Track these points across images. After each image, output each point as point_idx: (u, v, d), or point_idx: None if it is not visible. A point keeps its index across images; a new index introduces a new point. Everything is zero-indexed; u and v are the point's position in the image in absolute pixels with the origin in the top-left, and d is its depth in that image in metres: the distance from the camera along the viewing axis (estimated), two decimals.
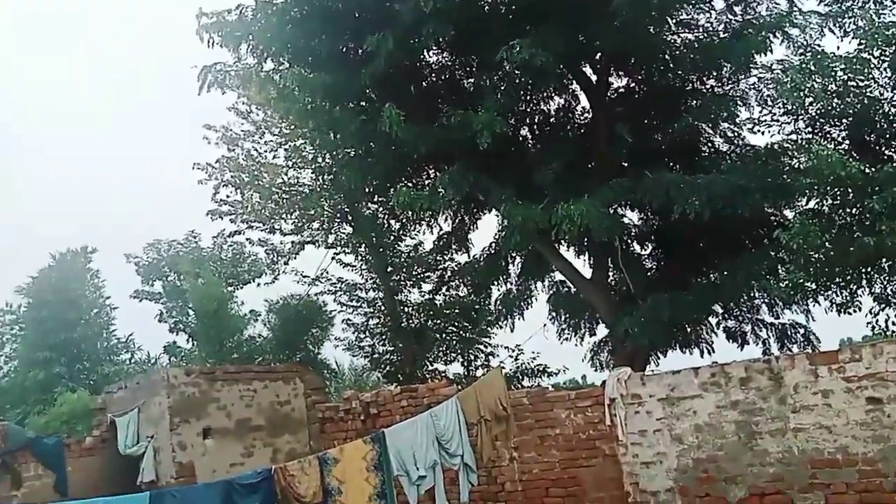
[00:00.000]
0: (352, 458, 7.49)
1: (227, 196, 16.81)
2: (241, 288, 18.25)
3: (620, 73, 13.37)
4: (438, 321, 16.82)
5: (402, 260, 16.91)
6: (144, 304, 18.72)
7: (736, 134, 12.97)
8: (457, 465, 8.40)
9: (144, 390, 10.70)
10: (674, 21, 12.46)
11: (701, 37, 12.67)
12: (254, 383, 11.11)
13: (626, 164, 12.54)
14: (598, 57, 12.83)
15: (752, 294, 12.00)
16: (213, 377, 10.83)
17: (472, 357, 16.85)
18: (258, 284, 17.59)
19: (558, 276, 14.33)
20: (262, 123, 17.17)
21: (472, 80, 13.28)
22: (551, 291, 14.77)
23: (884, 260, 8.73)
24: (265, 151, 17.19)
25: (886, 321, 9.68)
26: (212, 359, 15.25)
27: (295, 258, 17.19)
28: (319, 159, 16.24)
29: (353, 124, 12.20)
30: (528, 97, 13.12)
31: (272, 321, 16.59)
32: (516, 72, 11.48)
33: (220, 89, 13.70)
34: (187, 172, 17.23)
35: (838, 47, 10.23)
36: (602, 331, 14.02)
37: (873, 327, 9.72)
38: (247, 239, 17.64)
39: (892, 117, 9.90)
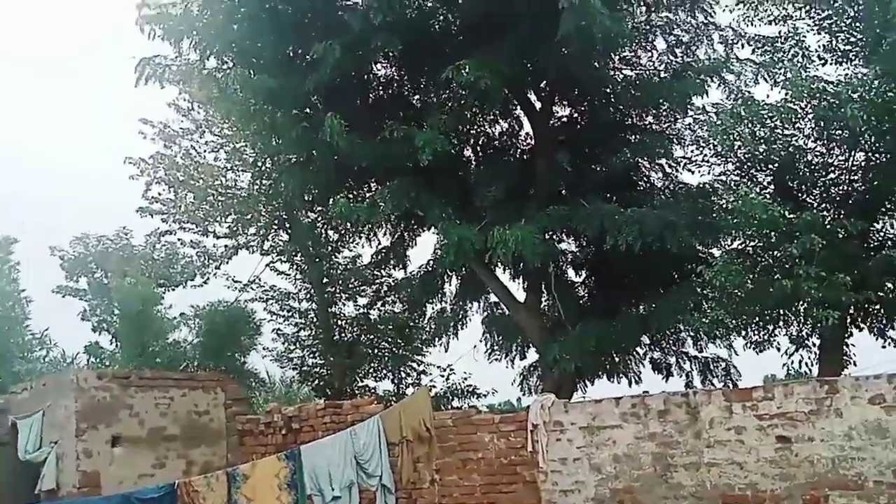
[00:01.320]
0: (264, 475, 7.28)
1: (159, 194, 16.23)
2: (173, 290, 17.58)
3: (564, 102, 13.63)
4: (372, 336, 16.62)
5: (339, 272, 16.66)
6: (68, 300, 17.85)
7: (671, 171, 13.38)
8: (374, 486, 8.28)
9: (51, 392, 10.13)
10: (617, 57, 12.82)
11: (643, 74, 13.06)
12: (171, 391, 10.67)
13: (564, 192, 12.75)
14: (543, 85, 13.06)
15: (677, 327, 12.34)
16: (126, 382, 10.34)
17: (404, 375, 16.69)
18: (187, 287, 16.95)
19: (493, 298, 14.41)
20: (202, 122, 16.71)
21: (418, 97, 13.30)
22: (486, 313, 14.84)
23: (799, 302, 9.08)
24: (204, 151, 16.72)
25: (800, 362, 10.08)
26: (133, 362, 14.62)
27: (227, 262, 16.70)
28: (259, 163, 15.89)
29: (294, 130, 12.00)
30: (473, 118, 13.19)
31: (199, 326, 16.05)
32: (462, 92, 11.54)
33: (158, 83, 13.25)
34: (120, 167, 16.59)
35: (768, 96, 10.72)
36: (533, 355, 14.15)
37: (788, 368, 10.10)
38: (178, 240, 17.05)
39: (814, 166, 10.41)
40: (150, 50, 12.68)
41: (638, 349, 13.27)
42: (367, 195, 13.39)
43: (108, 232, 17.84)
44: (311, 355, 16.71)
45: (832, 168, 10.40)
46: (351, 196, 13.02)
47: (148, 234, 17.63)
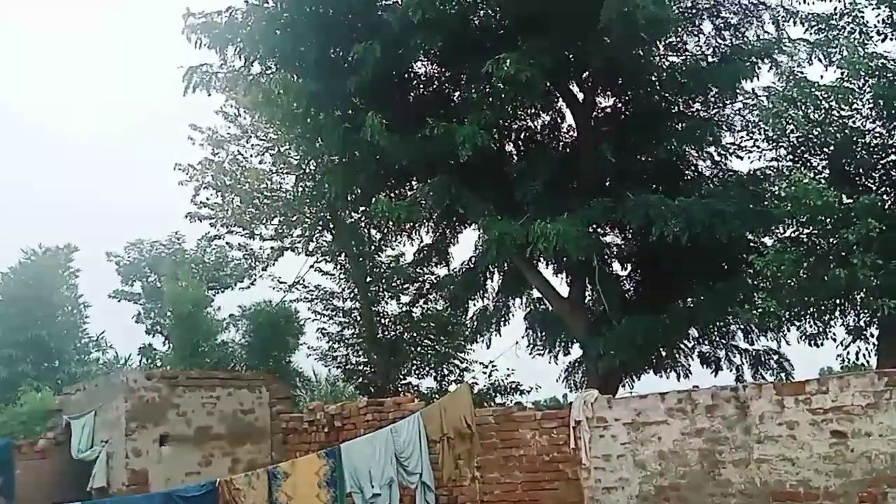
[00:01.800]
0: (304, 473, 7.28)
1: (207, 199, 16.64)
2: (223, 292, 18.03)
3: (607, 92, 13.34)
4: (414, 334, 16.63)
5: (382, 271, 16.73)
6: (124, 304, 18.50)
7: (720, 158, 12.91)
8: (414, 484, 8.20)
9: (102, 393, 10.46)
10: (662, 43, 12.45)
11: (689, 60, 12.65)
12: (217, 390, 10.87)
13: (608, 184, 12.44)
14: (585, 75, 12.80)
15: (726, 319, 11.88)
16: (174, 382, 10.59)
17: (447, 372, 16.64)
18: (235, 289, 17.34)
19: (536, 294, 14.20)
20: (248, 127, 17.06)
21: (458, 93, 13.22)
22: (528, 309, 14.63)
23: (856, 292, 8.60)
24: (250, 156, 17.07)
25: (857, 354, 9.56)
26: (184, 362, 15.01)
27: (274, 264, 17.02)
28: (303, 166, 16.11)
29: (336, 132, 12.09)
30: (514, 112, 13.00)
31: (246, 327, 16.37)
32: (502, 86, 11.40)
33: (205, 90, 13.57)
34: (171, 173, 17.10)
35: (822, 76, 10.21)
36: (577, 350, 13.88)
37: (844, 360, 9.59)
38: (227, 243, 17.45)
39: (872, 148, 9.87)
40: (197, 58, 13.05)
41: (686, 343, 12.86)
42: (409, 194, 13.41)
43: (161, 237, 18.46)
44: (355, 353, 16.83)
45: (892, 150, 9.82)
46: (393, 195, 13.06)
47: (199, 239, 18.15)
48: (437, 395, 14.90)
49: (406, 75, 12.86)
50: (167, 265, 17.15)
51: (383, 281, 16.71)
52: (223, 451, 10.72)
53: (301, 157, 16.00)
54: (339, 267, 16.81)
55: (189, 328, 15.48)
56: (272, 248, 17.01)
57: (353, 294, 16.80)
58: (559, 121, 13.87)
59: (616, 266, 13.80)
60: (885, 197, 9.35)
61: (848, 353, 9.52)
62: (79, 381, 12.48)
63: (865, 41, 9.98)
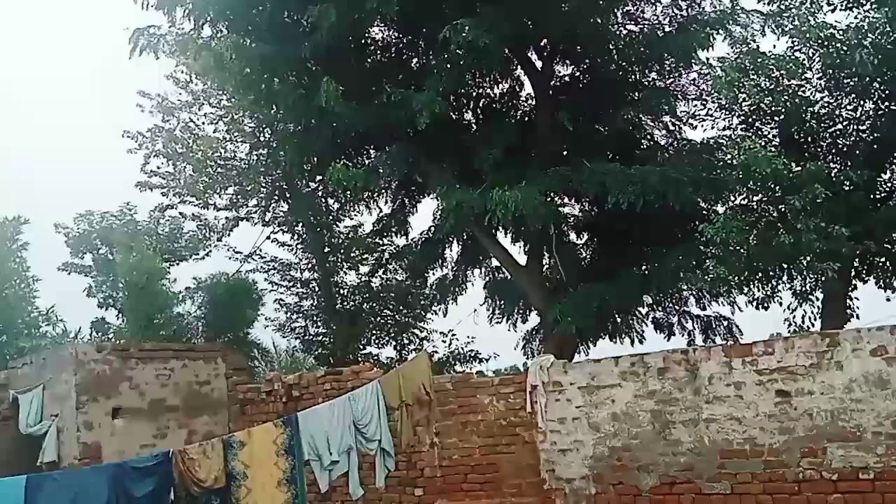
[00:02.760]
0: (261, 442, 7.21)
1: (158, 167, 16.18)
2: (177, 264, 17.62)
3: (566, 60, 13.33)
4: (374, 304, 16.61)
5: (340, 241, 16.60)
6: (74, 277, 17.94)
7: (675, 127, 13.07)
8: (374, 451, 8.21)
9: (51, 366, 10.16)
10: (620, 11, 12.46)
11: (645, 29, 12.69)
12: (171, 362, 10.67)
13: (566, 153, 12.50)
14: (543, 43, 12.74)
15: (679, 286, 12.16)
16: (126, 354, 10.35)
17: (407, 341, 16.70)
18: (191, 261, 16.98)
19: (494, 263, 14.28)
20: (200, 94, 16.56)
21: (416, 60, 13.04)
22: (487, 278, 14.72)
23: (802, 257, 8.86)
24: (203, 123, 16.61)
25: (803, 317, 9.90)
26: (139, 335, 14.69)
27: (229, 234, 16.70)
28: (258, 133, 15.75)
29: (291, 98, 11.84)
30: (473, 79, 12.95)
31: (202, 299, 16.09)
32: (460, 52, 11.27)
33: (153, 54, 13.09)
34: (120, 141, 16.52)
35: (774, 46, 10.36)
36: (535, 318, 14.05)
37: (791, 323, 9.92)
38: (180, 213, 17.03)
39: (821, 117, 10.09)
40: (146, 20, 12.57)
41: (640, 309, 13.14)
42: (366, 162, 13.25)
43: (111, 208, 17.88)
44: (314, 324, 16.74)
45: (840, 118, 10.07)
46: (349, 163, 12.88)
47: (151, 210, 17.65)
48: (396, 365, 14.96)
49: (362, 40, 12.61)
50: (120, 236, 16.66)
51: (342, 251, 16.60)
52: (179, 423, 10.56)
53: (255, 124, 15.65)
54: (296, 237, 16.60)
55: (144, 301, 15.12)
56: (227, 218, 16.67)
57: (310, 265, 16.65)
58: (517, 89, 13.84)
59: (573, 234, 13.95)
60: (831, 164, 9.61)
61: (794, 316, 9.86)
62: (26, 356, 12.09)
63: (815, 11, 10.14)
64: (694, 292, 12.46)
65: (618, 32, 12.65)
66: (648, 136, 13.23)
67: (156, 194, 16.53)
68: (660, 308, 13.30)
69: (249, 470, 7.07)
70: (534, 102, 13.43)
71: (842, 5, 10.12)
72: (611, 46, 12.50)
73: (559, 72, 13.42)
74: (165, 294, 15.89)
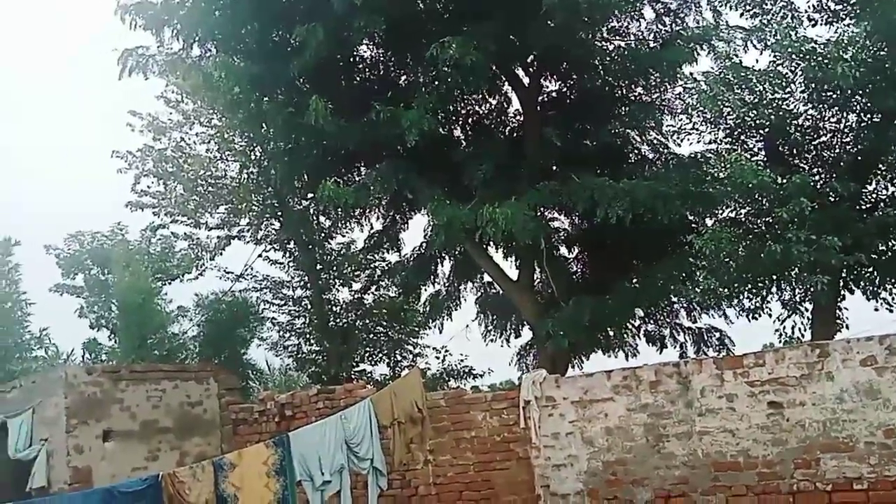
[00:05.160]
0: (251, 463, 7.16)
1: (149, 187, 16.16)
2: (170, 283, 17.57)
3: (552, 76, 13.46)
4: (367, 321, 16.58)
5: (332, 258, 16.58)
6: (66, 298, 17.82)
7: (661, 141, 13.19)
8: (366, 470, 8.19)
9: (40, 390, 10.07)
10: (605, 27, 12.61)
11: (631, 44, 12.84)
12: (163, 383, 10.59)
13: (555, 168, 12.59)
14: (530, 60, 12.87)
15: (670, 298, 12.22)
16: (117, 376, 10.27)
17: (400, 358, 16.66)
18: (182, 280, 16.91)
19: (487, 278, 14.31)
20: (191, 113, 16.59)
21: (404, 77, 13.13)
22: (479, 293, 14.75)
23: (791, 268, 8.93)
24: (194, 142, 16.62)
25: (793, 328, 9.95)
26: (132, 355, 14.59)
27: (221, 254, 16.65)
28: (248, 152, 15.78)
29: (280, 116, 11.88)
30: (461, 97, 13.04)
31: (200, 317, 16.03)
32: (448, 70, 11.36)
33: (142, 74, 13.13)
34: (110, 162, 16.51)
35: (757, 61, 10.52)
36: (528, 333, 14.05)
37: (781, 334, 9.98)
38: (171, 233, 17.00)
39: (805, 129, 10.23)
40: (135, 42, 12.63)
41: (632, 322, 13.16)
42: (357, 179, 13.28)
43: (102, 228, 17.82)
44: (307, 343, 16.68)
45: (823, 130, 10.22)
46: (340, 181, 12.92)
47: (142, 229, 17.62)
48: (390, 382, 14.92)
49: (350, 59, 12.70)
50: (113, 256, 16.61)
51: (334, 268, 16.58)
52: (171, 444, 10.47)
53: (246, 143, 15.68)
54: (288, 255, 16.59)
55: (139, 321, 15.06)
56: (219, 237, 16.64)
57: (303, 282, 16.62)
58: (505, 105, 13.94)
59: (563, 249, 14.01)
60: (816, 176, 9.72)
61: (784, 327, 9.91)
62: (15, 379, 11.96)
63: (797, 26, 10.30)
64: (684, 304, 12.52)
65: (603, 48, 12.79)
66: (636, 151, 13.34)
67: (147, 214, 16.51)
68: (651, 321, 13.33)
69: (240, 492, 7.01)
70: (522, 118, 13.53)
71: (822, 20, 10.32)
72: (597, 62, 12.65)
73: (546, 87, 13.55)
74: (160, 314, 15.84)
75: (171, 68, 14.18)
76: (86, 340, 17.34)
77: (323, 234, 16.45)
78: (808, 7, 10.34)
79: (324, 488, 7.60)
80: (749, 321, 10.04)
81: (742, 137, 10.61)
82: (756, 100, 9.98)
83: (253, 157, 15.85)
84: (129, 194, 16.28)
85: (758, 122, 10.12)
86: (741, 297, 10.01)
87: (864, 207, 9.90)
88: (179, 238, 17.00)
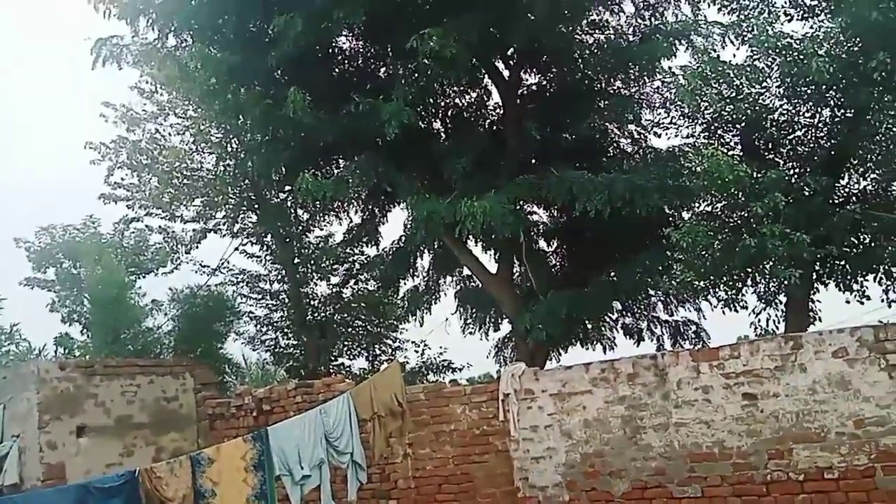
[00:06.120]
0: (229, 458, 7.10)
1: (122, 179, 15.90)
2: (143, 277, 17.31)
3: (532, 69, 13.46)
4: (345, 315, 16.51)
5: (310, 252, 16.47)
6: (36, 292, 17.48)
7: (640, 135, 13.27)
8: (345, 464, 8.15)
9: (11, 385, 9.88)
10: (585, 21, 12.64)
11: (611, 38, 12.88)
12: (137, 378, 10.46)
13: (534, 161, 12.61)
14: (510, 52, 12.85)
15: (647, 291, 12.32)
16: (90, 371, 10.12)
17: (379, 352, 16.63)
18: (157, 274, 16.69)
19: (466, 272, 14.31)
20: (167, 104, 16.34)
21: (384, 69, 13.04)
22: (459, 286, 14.75)
23: (765, 261, 9.04)
24: (169, 134, 16.38)
25: (768, 320, 10.09)
26: (105, 350, 14.38)
27: (197, 247, 16.46)
28: (225, 144, 15.58)
29: (258, 108, 11.67)
30: (440, 89, 12.99)
31: (175, 311, 15.82)
32: (427, 62, 11.29)
33: (116, 64, 12.88)
34: (82, 154, 16.24)
35: (734, 55, 10.60)
36: (507, 326, 14.09)
37: (756, 327, 10.11)
38: (146, 226, 16.76)
39: (780, 124, 10.32)
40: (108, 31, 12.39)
41: (610, 316, 13.27)
42: (335, 172, 13.18)
43: (74, 221, 17.51)
44: (285, 336, 16.58)
45: (798, 125, 10.32)
46: (318, 173, 12.80)
47: (116, 222, 17.34)
48: (369, 376, 14.87)
49: (329, 50, 12.57)
50: (86, 250, 16.32)
51: (312, 262, 16.46)
52: (146, 440, 10.36)
53: (222, 134, 15.47)
54: (265, 248, 16.44)
55: (112, 315, 14.82)
56: (194, 230, 16.43)
57: (280, 276, 16.49)
58: (485, 98, 13.92)
59: (542, 242, 14.05)
60: (791, 171, 9.83)
61: (759, 319, 10.04)
62: None
63: (773, 21, 10.39)
64: (661, 297, 12.63)
65: (583, 41, 12.82)
66: (614, 144, 13.41)
67: (120, 207, 16.25)
68: (629, 314, 13.45)
69: (218, 487, 6.96)
70: (501, 111, 13.52)
71: (798, 15, 10.39)
72: (576, 55, 12.67)
73: (526, 80, 13.55)
74: (134, 308, 15.61)
75: (145, 58, 13.96)
76: (58, 335, 17.04)
77: (301, 228, 16.34)
78: (785, 2, 10.42)
79: (303, 483, 7.57)
80: (724, 313, 10.17)
81: (719, 132, 10.68)
82: (733, 94, 10.03)
83: (229, 149, 15.66)
84: (102, 186, 16.04)
85: (734, 116, 10.19)
86: (717, 290, 10.12)
87: (836, 201, 10.03)
88: (154, 231, 16.80)
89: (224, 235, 16.41)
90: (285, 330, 16.55)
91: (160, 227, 16.58)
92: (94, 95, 19.05)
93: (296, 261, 16.20)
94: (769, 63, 10.07)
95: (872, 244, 9.65)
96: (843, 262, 9.77)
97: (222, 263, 16.42)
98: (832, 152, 10.03)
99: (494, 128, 13.60)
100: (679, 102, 10.99)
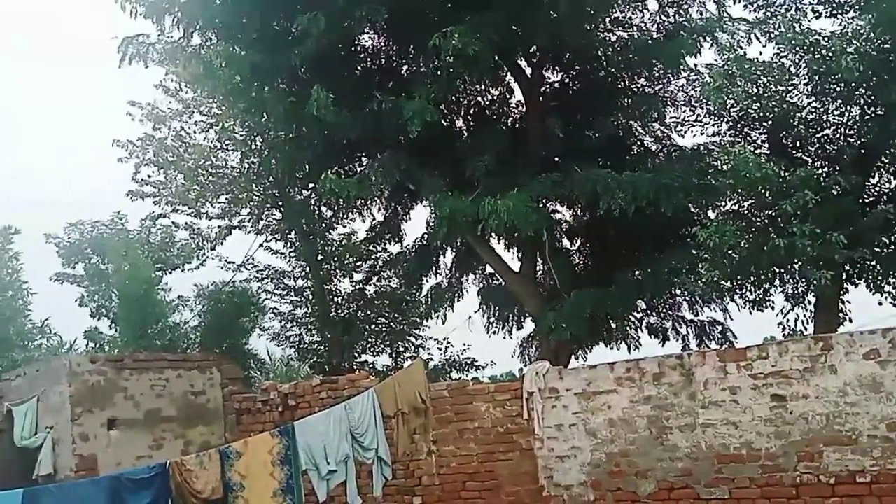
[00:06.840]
0: (257, 452, 7.23)
1: (149, 176, 16.12)
2: (170, 273, 17.56)
3: (555, 67, 13.41)
4: (368, 312, 16.61)
5: (334, 248, 16.59)
6: (66, 287, 17.81)
7: (664, 133, 13.17)
8: (371, 459, 8.23)
9: (44, 378, 10.11)
10: (608, 18, 12.56)
11: (634, 36, 12.79)
12: (166, 372, 10.65)
13: (557, 159, 12.57)
14: (533, 50, 12.81)
15: (672, 291, 12.24)
16: (120, 365, 10.33)
17: (402, 349, 16.70)
18: (183, 270, 16.91)
19: (489, 269, 14.32)
20: (191, 102, 16.53)
21: (406, 67, 13.07)
22: (482, 284, 14.76)
23: (794, 261, 8.95)
24: (194, 132, 16.57)
25: (796, 321, 9.99)
26: (133, 345, 14.61)
27: (222, 243, 16.66)
28: (249, 142, 15.74)
29: (282, 106, 11.80)
30: (463, 87, 13.00)
31: (201, 307, 16.03)
32: (450, 60, 11.30)
33: (142, 63, 13.05)
34: (110, 151, 16.47)
35: (761, 53, 10.48)
36: (530, 325, 14.08)
37: (784, 327, 10.01)
38: (172, 222, 16.98)
39: (808, 122, 10.20)
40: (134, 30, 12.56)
41: (634, 315, 13.19)
42: (359, 170, 13.25)
43: (102, 217, 17.79)
44: (308, 333, 16.71)
45: (827, 124, 10.19)
46: (342, 171, 12.88)
47: (142, 219, 17.59)
48: (392, 372, 14.95)
49: (352, 48, 12.62)
50: (114, 246, 16.59)
51: (335, 259, 16.58)
52: (175, 433, 10.55)
53: (247, 132, 15.62)
54: (289, 245, 16.58)
55: (138, 310, 15.05)
56: (220, 226, 16.63)
57: (304, 273, 16.63)
58: (508, 96, 13.90)
59: (566, 240, 14.01)
60: (819, 169, 9.71)
61: (787, 320, 9.94)
62: (19, 368, 12.01)
63: (800, 18, 10.25)
64: (687, 297, 12.54)
65: (606, 39, 12.74)
66: (638, 142, 13.32)
67: (147, 203, 16.49)
68: (654, 313, 13.37)
69: (246, 480, 7.09)
70: (524, 109, 13.49)
71: (826, 12, 10.27)
72: (600, 53, 12.60)
73: (549, 78, 13.50)
74: (160, 303, 15.84)
75: (170, 56, 14.10)
76: (87, 330, 17.36)
77: (324, 225, 16.45)
78: (812, 0, 10.29)
79: (329, 477, 7.67)
80: (751, 313, 10.08)
81: (745, 130, 10.58)
82: (760, 92, 9.93)
83: (254, 147, 15.81)
84: (129, 183, 16.27)
85: (761, 114, 10.08)
86: (744, 290, 10.03)
87: (867, 201, 9.90)
88: (180, 227, 17.01)
89: (249, 232, 16.61)
90: (309, 326, 16.69)
91: (186, 223, 16.80)
92: (122, 93, 19.31)
93: (319, 257, 16.32)
94: (796, 61, 9.95)
95: None
96: (873, 263, 9.63)
97: (247, 260, 16.62)
98: (862, 151, 9.89)
99: (517, 126, 13.58)
100: (704, 100, 10.91)
